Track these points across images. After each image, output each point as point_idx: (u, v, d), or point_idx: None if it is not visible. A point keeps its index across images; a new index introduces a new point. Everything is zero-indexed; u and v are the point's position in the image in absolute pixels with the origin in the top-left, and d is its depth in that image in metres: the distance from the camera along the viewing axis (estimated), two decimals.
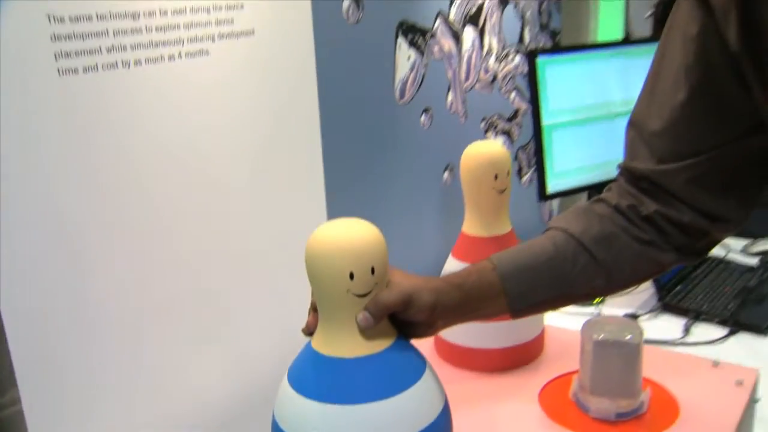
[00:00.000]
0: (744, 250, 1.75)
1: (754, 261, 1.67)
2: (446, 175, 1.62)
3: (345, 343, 0.71)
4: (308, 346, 0.74)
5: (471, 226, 1.05)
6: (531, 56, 1.51)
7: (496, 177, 1.00)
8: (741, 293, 1.49)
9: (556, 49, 1.80)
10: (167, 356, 1.03)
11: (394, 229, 1.42)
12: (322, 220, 1.23)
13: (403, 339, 0.75)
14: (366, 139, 1.38)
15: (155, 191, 0.98)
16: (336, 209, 1.25)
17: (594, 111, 1.63)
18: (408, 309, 0.72)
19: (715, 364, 1.03)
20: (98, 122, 0.90)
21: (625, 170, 0.80)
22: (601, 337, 0.90)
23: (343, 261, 0.68)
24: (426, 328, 0.76)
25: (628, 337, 0.90)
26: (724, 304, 1.45)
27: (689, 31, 0.73)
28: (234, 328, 1.13)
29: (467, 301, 0.76)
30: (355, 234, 0.70)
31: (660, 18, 2.10)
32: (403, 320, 0.73)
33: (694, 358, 1.09)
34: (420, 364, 0.74)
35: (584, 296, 0.81)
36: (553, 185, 1.59)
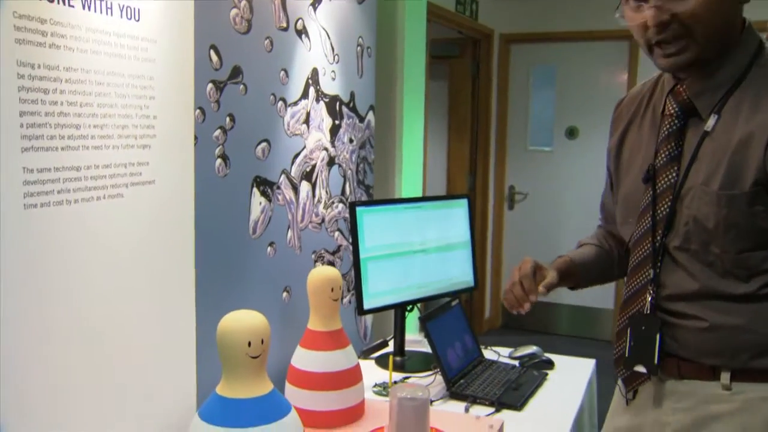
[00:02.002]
0: (510, 355, 2.32)
1: (516, 362, 2.24)
2: (285, 294, 2.04)
3: (243, 389, 1.09)
4: (214, 393, 1.11)
5: (314, 324, 1.48)
6: (352, 206, 2.02)
7: (332, 290, 1.45)
8: (505, 384, 2.02)
9: (371, 202, 2.34)
10: None
11: None
12: (191, 325, 1.60)
13: (276, 390, 1.15)
14: (227, 265, 1.78)
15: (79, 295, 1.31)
16: (203, 316, 1.62)
17: (397, 248, 2.16)
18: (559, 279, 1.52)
19: (477, 417, 1.51)
20: (47, 242, 1.24)
21: (604, 227, 1.66)
22: (402, 394, 1.34)
23: (244, 333, 1.08)
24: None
25: (420, 394, 1.35)
26: (493, 391, 1.96)
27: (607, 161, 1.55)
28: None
29: (565, 276, 1.54)
30: (252, 317, 1.10)
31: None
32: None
33: (463, 415, 1.56)
34: (287, 404, 1.14)
35: (607, 279, 1.64)
36: (367, 303, 2.06)
